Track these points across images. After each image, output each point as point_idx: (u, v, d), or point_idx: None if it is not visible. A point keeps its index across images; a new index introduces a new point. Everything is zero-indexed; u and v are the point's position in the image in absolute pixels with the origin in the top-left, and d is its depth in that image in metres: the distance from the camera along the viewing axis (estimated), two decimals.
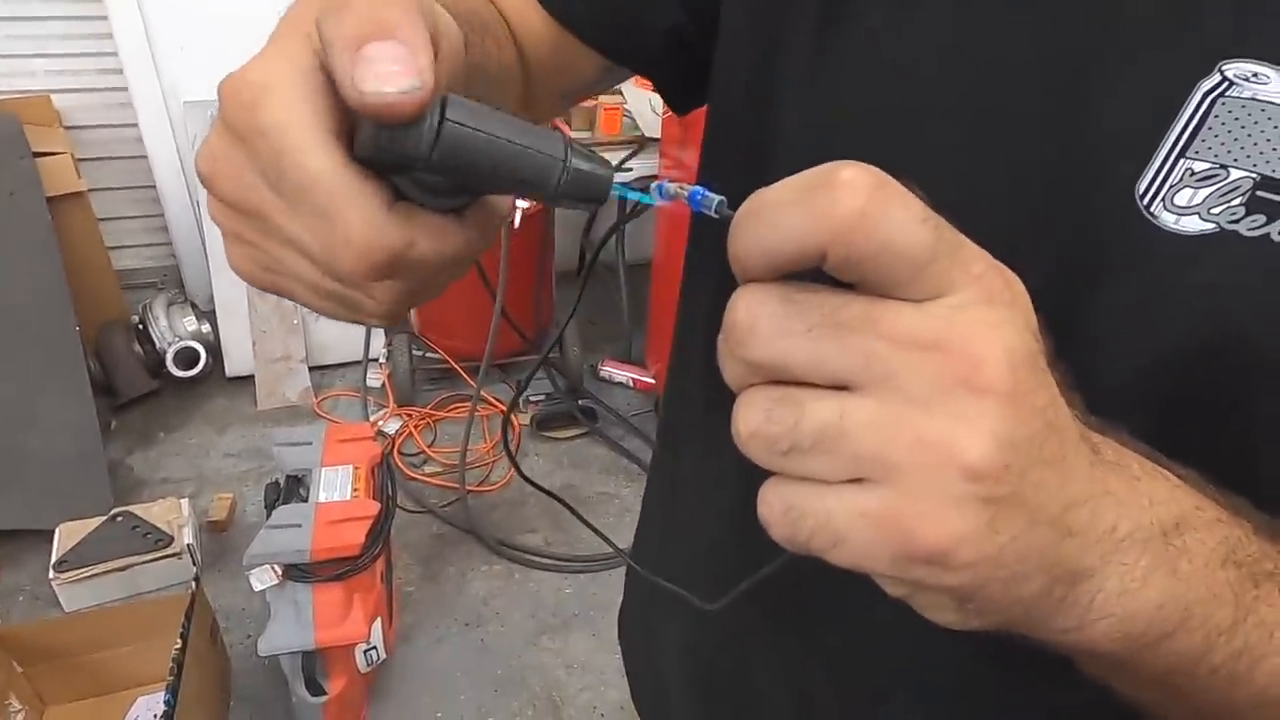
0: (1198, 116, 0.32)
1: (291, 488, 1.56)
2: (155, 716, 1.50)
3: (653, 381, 2.52)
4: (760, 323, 0.24)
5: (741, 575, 0.52)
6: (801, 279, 0.25)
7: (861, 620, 0.46)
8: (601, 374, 2.63)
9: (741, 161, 0.46)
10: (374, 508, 1.50)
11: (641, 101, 2.32)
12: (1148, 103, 0.33)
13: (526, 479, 0.50)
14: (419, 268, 0.28)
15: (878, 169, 0.23)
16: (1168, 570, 0.27)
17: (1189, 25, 0.32)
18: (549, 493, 0.52)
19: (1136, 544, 0.26)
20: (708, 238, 0.53)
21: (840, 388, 0.24)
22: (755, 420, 0.24)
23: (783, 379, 0.24)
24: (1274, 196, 0.31)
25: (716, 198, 0.27)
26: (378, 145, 0.25)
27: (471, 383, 2.42)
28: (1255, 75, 0.31)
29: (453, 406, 2.52)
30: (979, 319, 0.23)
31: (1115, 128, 0.33)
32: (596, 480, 2.33)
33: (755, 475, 0.50)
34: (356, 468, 1.58)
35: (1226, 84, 0.31)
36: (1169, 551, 0.27)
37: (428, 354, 2.53)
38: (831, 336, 0.23)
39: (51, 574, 1.79)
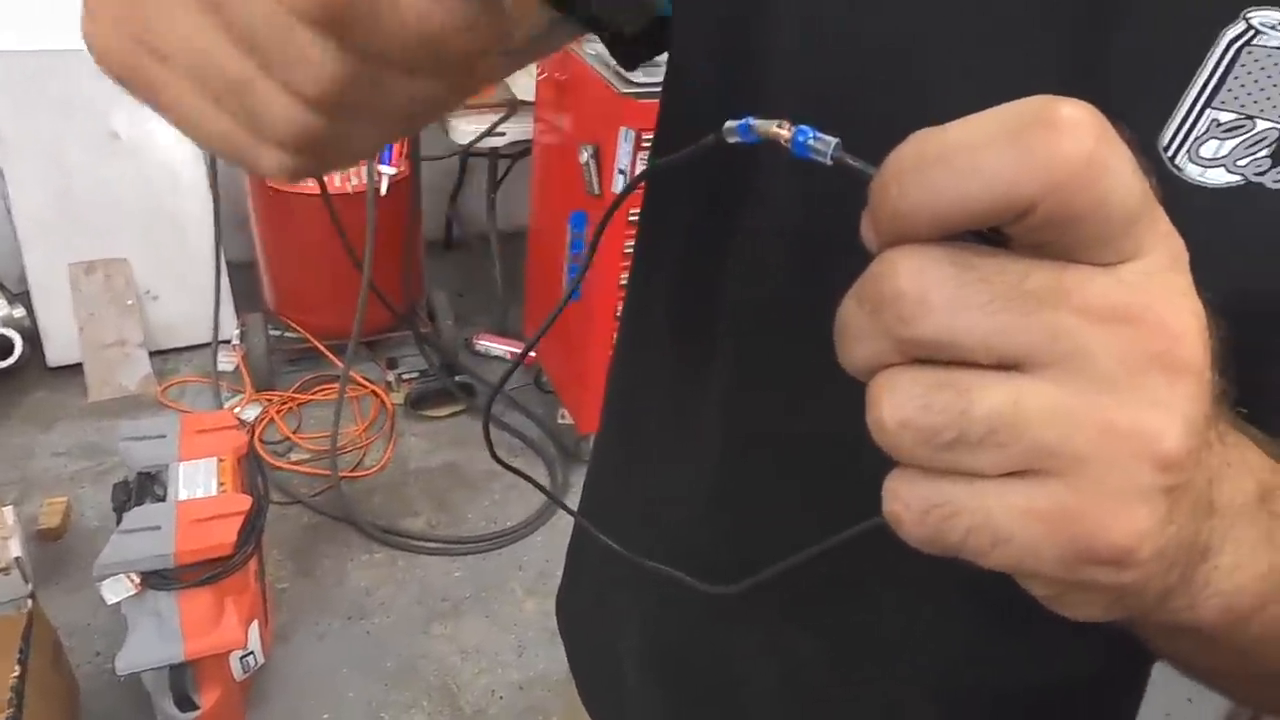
0: (1223, 65, 0.31)
1: (145, 486, 1.40)
2: None
3: (531, 354, 2.45)
4: (933, 294, 0.20)
5: (721, 551, 0.49)
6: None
7: (857, 600, 0.44)
8: (477, 348, 2.54)
9: (719, 100, 0.42)
10: (245, 502, 1.37)
11: None
12: (1170, 51, 0.31)
13: (502, 464, 0.45)
14: (374, 32, 0.22)
15: (1094, 109, 0.19)
16: (1266, 539, 0.26)
17: None
18: (517, 471, 0.46)
19: (1245, 516, 0.25)
20: (674, 200, 0.49)
21: (1004, 368, 0.20)
22: (908, 408, 0.20)
23: (939, 358, 0.21)
24: None
25: (831, 139, 0.23)
26: None
27: (337, 362, 2.26)
28: None
29: (318, 388, 2.35)
30: (1171, 287, 0.21)
31: (1137, 77, 0.32)
32: (478, 458, 2.25)
33: (738, 451, 0.47)
34: (221, 460, 1.44)
35: (1252, 32, 0.30)
36: (1266, 520, 0.26)
37: (286, 333, 2.34)
38: (1017, 310, 0.20)
39: None
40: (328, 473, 2.04)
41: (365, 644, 1.77)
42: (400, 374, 2.41)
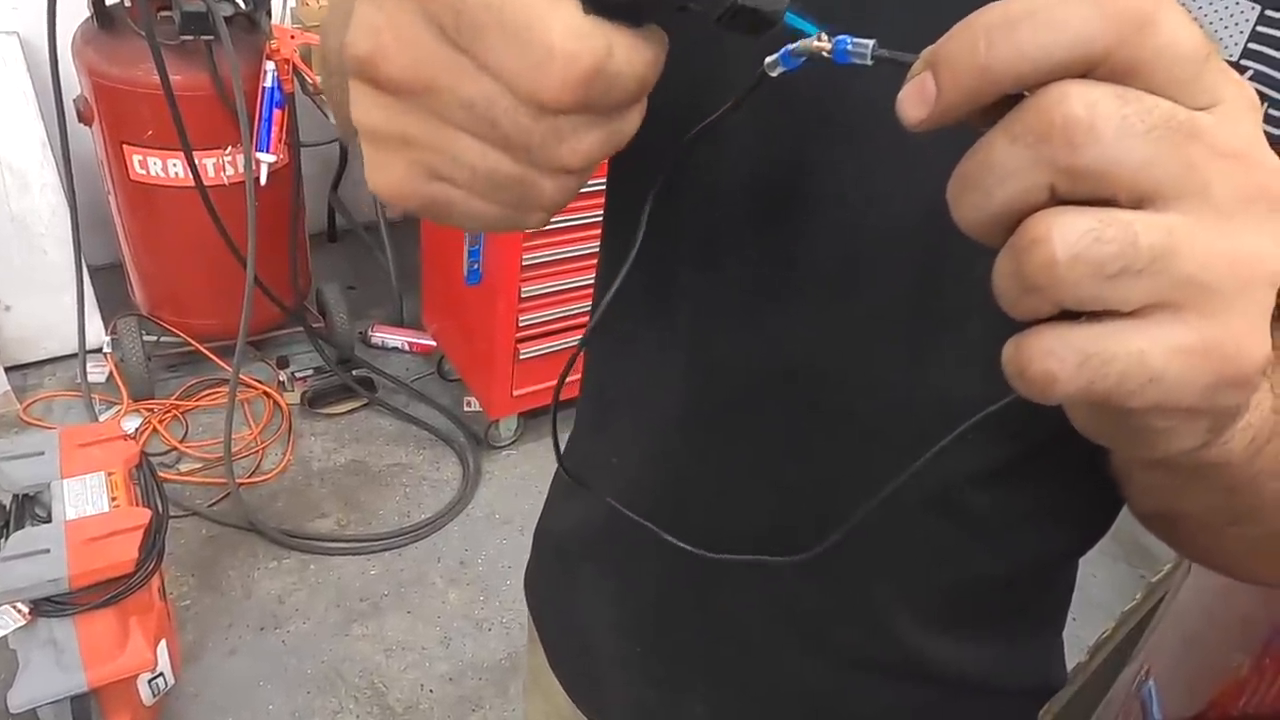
0: None
1: (25, 509, 1.29)
2: None
3: (432, 343, 2.39)
4: (1101, 121, 0.21)
5: (694, 489, 0.50)
6: None
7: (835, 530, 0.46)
8: (373, 340, 2.45)
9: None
10: (143, 515, 1.28)
11: None
12: None
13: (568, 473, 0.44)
14: (614, 90, 0.26)
15: None
16: (1270, 376, 0.29)
17: None
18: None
19: None
20: (632, 171, 0.49)
21: (1137, 203, 0.22)
22: (1081, 241, 0.21)
23: (1086, 195, 0.22)
24: None
25: (868, 41, 0.24)
26: None
27: (222, 364, 2.14)
28: None
29: (204, 394, 2.22)
30: (1257, 130, 0.23)
31: None
32: (385, 452, 2.18)
33: (702, 372, 0.47)
34: (110, 473, 1.34)
35: None
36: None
37: (163, 338, 2.19)
38: (1168, 141, 0.21)
39: None
40: (223, 481, 1.93)
41: (282, 654, 1.70)
42: (293, 372, 2.30)
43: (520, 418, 2.21)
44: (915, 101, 0.23)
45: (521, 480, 2.14)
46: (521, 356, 2.03)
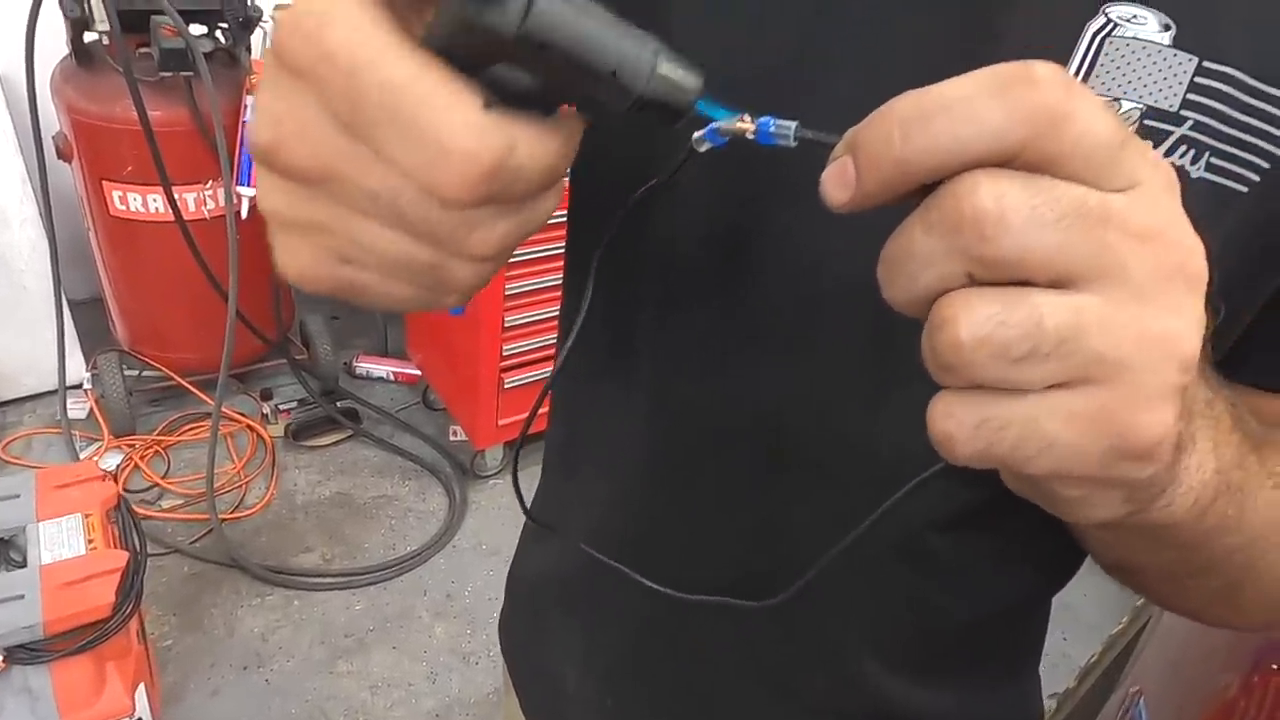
0: (1090, 54, 0.34)
1: (1, 554, 1.27)
2: None
3: (417, 373, 2.38)
4: (1011, 214, 0.21)
5: (660, 536, 0.50)
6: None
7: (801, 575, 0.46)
8: (357, 371, 2.44)
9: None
10: (120, 557, 1.26)
11: None
12: (1046, 41, 0.35)
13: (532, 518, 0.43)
14: (519, 182, 0.26)
15: (1065, 70, 0.22)
16: (1213, 440, 0.29)
17: None
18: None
19: (1203, 418, 0.29)
20: (592, 203, 0.49)
21: (1055, 285, 0.22)
22: (986, 325, 0.22)
23: (1001, 279, 0.22)
24: (1157, 124, 0.34)
25: (790, 123, 0.25)
26: (464, 19, 0.22)
27: (205, 398, 2.13)
28: (1135, 16, 0.34)
29: (186, 429, 2.20)
30: (1174, 209, 0.23)
31: None
32: (370, 484, 2.16)
33: (666, 419, 0.47)
34: (87, 515, 1.32)
35: (1111, 25, 0.34)
36: (1213, 423, 0.30)
37: (144, 372, 2.18)
38: (1079, 227, 0.21)
39: None
40: (205, 517, 1.90)
41: (266, 693, 1.67)
42: (277, 405, 2.28)
43: (505, 447, 2.20)
44: (837, 185, 0.24)
45: (508, 510, 2.12)
46: (506, 386, 2.02)
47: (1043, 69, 0.21)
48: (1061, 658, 1.85)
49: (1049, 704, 1.46)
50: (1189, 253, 0.23)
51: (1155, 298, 0.22)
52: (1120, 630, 1.21)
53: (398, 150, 0.24)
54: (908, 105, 0.22)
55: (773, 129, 0.25)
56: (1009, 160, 0.22)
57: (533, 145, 0.25)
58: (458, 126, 0.24)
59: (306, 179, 0.26)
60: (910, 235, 0.23)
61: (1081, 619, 2.01)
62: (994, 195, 0.21)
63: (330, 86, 0.24)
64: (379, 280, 0.28)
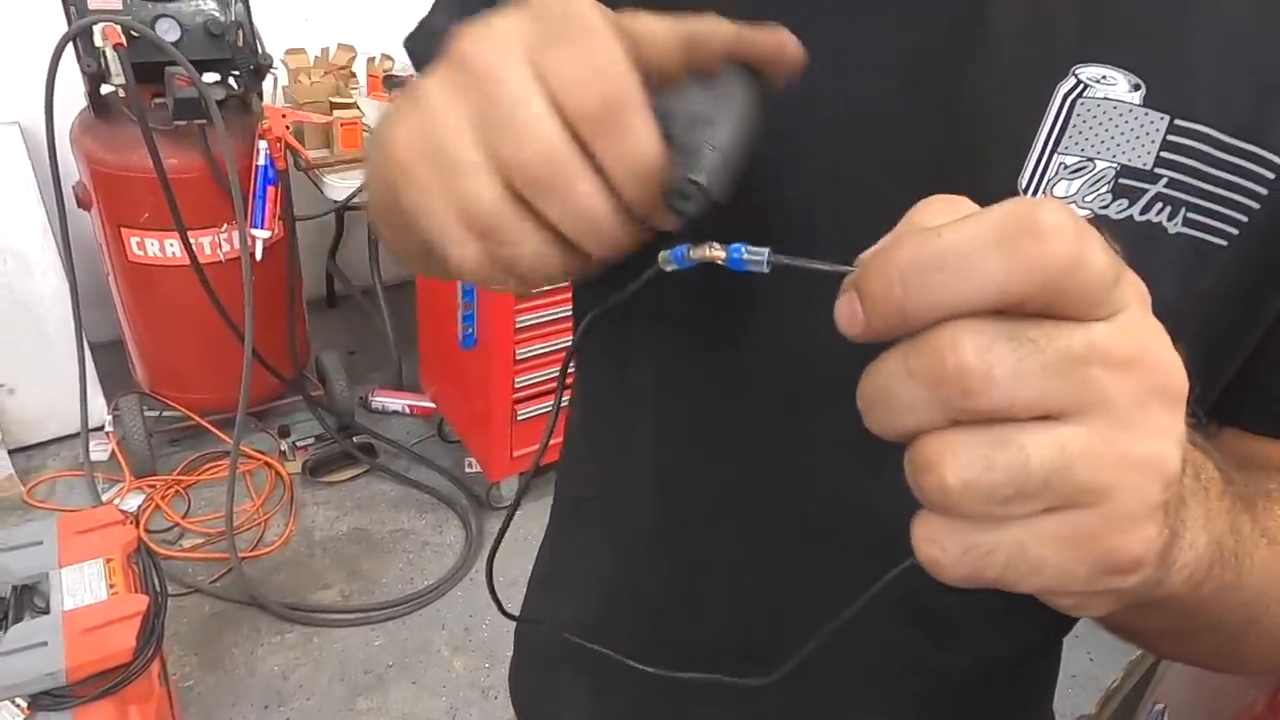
0: (1062, 116, 0.35)
1: (24, 600, 1.29)
2: None
3: (431, 406, 2.40)
4: (996, 369, 0.21)
5: (662, 600, 0.50)
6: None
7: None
8: (373, 405, 2.46)
9: None
10: (141, 602, 1.28)
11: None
12: (1016, 104, 0.35)
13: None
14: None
15: (1067, 206, 0.22)
16: (1205, 512, 0.29)
17: (1043, 32, 0.35)
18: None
19: (1192, 494, 0.29)
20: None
21: (1038, 419, 0.22)
22: (971, 469, 0.22)
23: (989, 419, 0.22)
24: (1132, 182, 0.35)
25: (763, 250, 0.25)
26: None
27: (224, 438, 2.15)
28: (1104, 78, 0.34)
29: (206, 468, 2.23)
30: (1153, 327, 0.23)
31: (990, 128, 0.36)
32: (387, 518, 2.18)
33: (665, 484, 0.48)
34: (108, 560, 1.34)
35: (1082, 86, 0.35)
36: (1202, 495, 0.30)
37: (164, 413, 2.21)
38: (1063, 372, 0.22)
39: None
40: (225, 555, 1.92)
41: None
42: (294, 441, 2.31)
43: (520, 478, 2.20)
44: (848, 321, 0.24)
45: (525, 541, 2.10)
46: (519, 417, 2.03)
47: (1050, 216, 0.21)
48: (1090, 679, 1.82)
49: None
50: (1168, 371, 0.23)
51: (1137, 423, 0.23)
52: (1141, 655, 1.19)
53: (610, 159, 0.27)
54: (906, 256, 0.22)
55: (744, 255, 0.25)
56: (1014, 307, 0.22)
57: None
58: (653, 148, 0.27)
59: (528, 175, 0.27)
60: (891, 377, 0.23)
61: (1107, 640, 1.98)
62: (978, 350, 0.22)
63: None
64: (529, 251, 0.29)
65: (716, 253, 0.26)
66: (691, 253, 0.26)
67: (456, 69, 0.28)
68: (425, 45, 0.49)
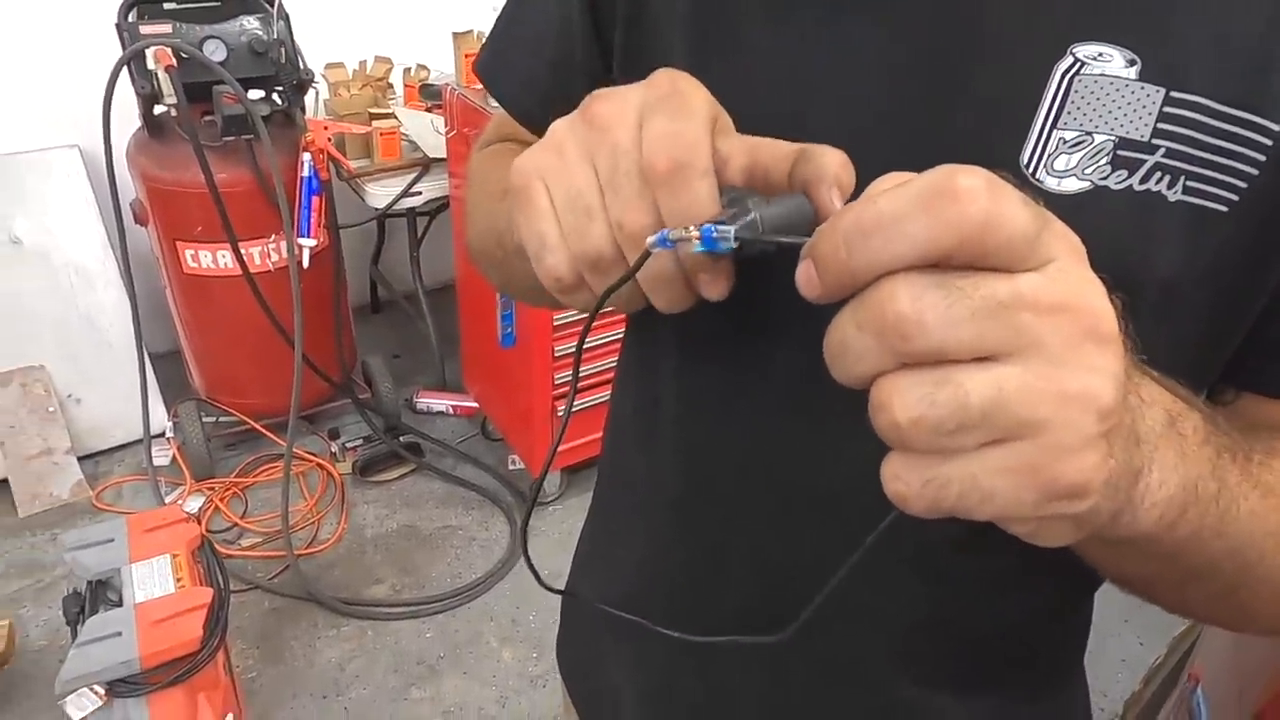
0: (1061, 93, 0.37)
1: (98, 594, 1.36)
2: None
3: (475, 405, 2.46)
4: (928, 315, 0.25)
5: (687, 569, 0.53)
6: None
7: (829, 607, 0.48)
8: (418, 406, 2.52)
9: None
10: (206, 594, 1.34)
11: (421, 123, 2.25)
12: (1016, 84, 0.37)
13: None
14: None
15: (980, 168, 0.25)
16: (1179, 455, 0.32)
17: (1041, 12, 0.37)
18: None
19: (1162, 438, 0.31)
20: None
21: (978, 360, 0.25)
22: (915, 407, 0.25)
23: (931, 361, 0.25)
24: (1130, 154, 0.37)
25: (729, 229, 0.29)
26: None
27: (278, 440, 2.24)
28: (1100, 55, 0.36)
29: (261, 470, 2.31)
30: (1084, 277, 0.26)
31: (992, 109, 0.38)
32: (435, 515, 2.24)
33: (687, 461, 0.51)
34: (174, 555, 1.41)
35: (1079, 64, 0.36)
36: (1177, 440, 0.32)
37: (221, 418, 2.30)
38: (991, 316, 0.25)
39: None
40: (282, 553, 2.00)
41: None
42: (344, 443, 2.38)
43: (564, 473, 2.25)
44: (806, 285, 0.28)
45: (568, 535, 2.17)
46: (560, 413, 2.08)
47: (965, 179, 0.25)
48: (1140, 664, 1.80)
49: (1118, 709, 1.43)
50: (1098, 316, 0.26)
51: (1069, 361, 0.25)
52: (1185, 631, 1.19)
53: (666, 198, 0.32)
54: (849, 222, 0.26)
55: (715, 234, 0.29)
56: (943, 260, 0.25)
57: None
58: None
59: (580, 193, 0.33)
60: (844, 330, 0.27)
61: (1158, 624, 1.95)
62: (911, 299, 0.25)
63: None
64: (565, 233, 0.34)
65: (692, 233, 0.30)
66: (670, 234, 0.30)
67: (585, 123, 0.34)
68: (506, 78, 0.57)
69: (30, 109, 2.21)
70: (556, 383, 2.05)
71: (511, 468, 2.34)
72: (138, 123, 2.02)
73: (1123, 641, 1.97)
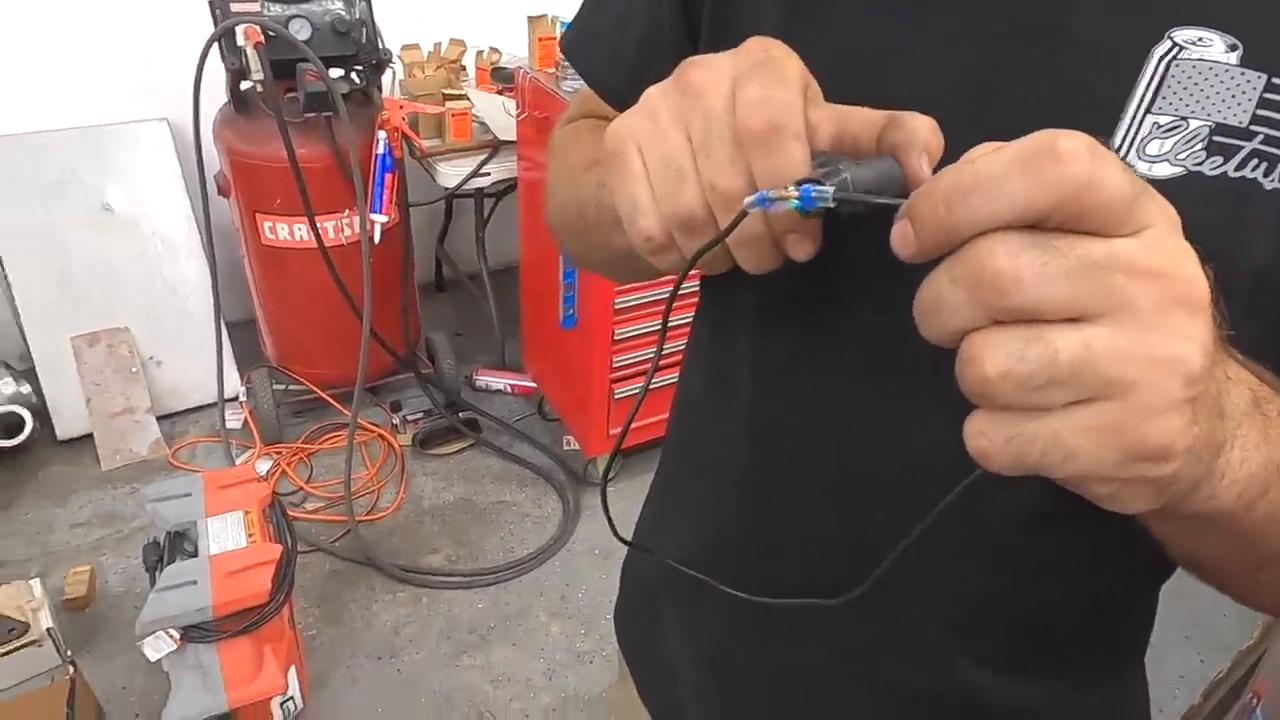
0: (1157, 78, 0.37)
1: (176, 544, 1.44)
2: None
3: (533, 385, 2.50)
4: (1024, 271, 0.26)
5: (749, 539, 0.54)
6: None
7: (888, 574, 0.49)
8: (478, 384, 2.58)
9: None
10: (276, 550, 1.41)
11: (492, 105, 2.29)
12: (1109, 67, 0.37)
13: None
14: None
15: (1081, 133, 0.26)
16: (1262, 435, 0.32)
17: None
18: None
19: (1246, 417, 0.31)
20: None
21: (1069, 320, 0.26)
22: (1005, 362, 0.26)
23: (1025, 319, 0.26)
24: (1226, 140, 0.36)
25: (829, 187, 0.30)
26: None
27: (344, 410, 2.31)
28: (1200, 39, 0.36)
29: (326, 437, 2.39)
30: (1179, 246, 0.27)
31: (1083, 90, 0.38)
32: (490, 490, 2.29)
33: (759, 429, 0.52)
34: (247, 512, 1.48)
35: (1177, 48, 0.36)
36: (1261, 420, 0.32)
37: (290, 386, 2.39)
38: (1083, 276, 0.26)
39: None
40: (344, 519, 2.07)
41: (398, 682, 1.80)
42: (405, 416, 2.45)
43: (619, 456, 2.27)
44: (901, 243, 0.29)
45: (620, 516, 2.17)
46: (617, 396, 2.10)
47: (1067, 142, 0.25)
48: (1200, 680, 1.75)
49: None
50: (1191, 284, 0.27)
51: (1160, 325, 0.26)
52: (1250, 646, 1.15)
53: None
54: (949, 181, 0.27)
55: (814, 193, 0.30)
56: (1040, 221, 0.26)
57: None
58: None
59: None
60: (939, 286, 0.28)
61: (1220, 641, 1.90)
62: (1008, 256, 0.26)
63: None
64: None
65: (791, 193, 0.30)
66: (771, 194, 0.31)
67: (678, 89, 0.35)
68: (591, 55, 0.59)
69: (122, 82, 2.31)
70: (615, 366, 2.07)
71: (566, 448, 2.38)
72: (224, 98, 2.10)
73: (1184, 656, 1.91)
